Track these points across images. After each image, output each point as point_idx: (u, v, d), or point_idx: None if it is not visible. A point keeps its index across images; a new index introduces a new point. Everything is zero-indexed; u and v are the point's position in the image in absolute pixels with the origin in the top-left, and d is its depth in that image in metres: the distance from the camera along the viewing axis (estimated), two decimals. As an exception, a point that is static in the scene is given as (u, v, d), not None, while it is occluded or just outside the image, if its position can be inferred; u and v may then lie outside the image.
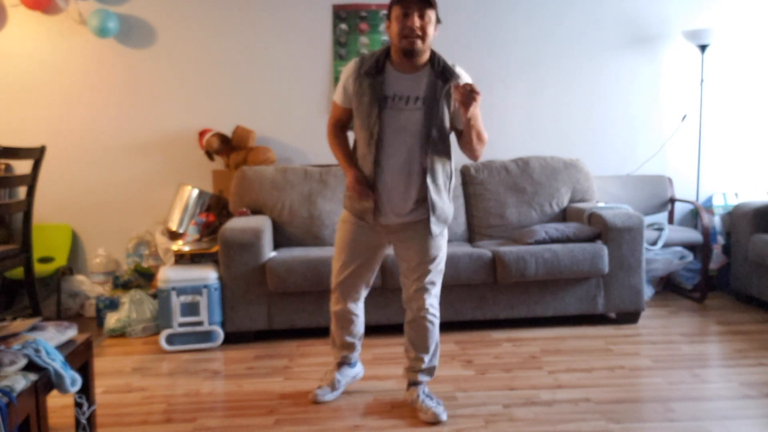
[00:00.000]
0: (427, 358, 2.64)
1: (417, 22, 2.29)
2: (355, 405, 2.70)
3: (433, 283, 2.58)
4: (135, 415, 2.66)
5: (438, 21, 2.38)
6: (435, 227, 2.47)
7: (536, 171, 4.21)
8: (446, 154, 2.46)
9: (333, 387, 2.78)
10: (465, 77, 2.42)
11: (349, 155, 2.54)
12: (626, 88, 4.60)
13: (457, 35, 4.48)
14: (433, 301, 2.60)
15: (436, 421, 2.48)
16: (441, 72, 2.38)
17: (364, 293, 2.73)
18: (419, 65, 2.38)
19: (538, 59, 4.55)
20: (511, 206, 4.13)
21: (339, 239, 2.62)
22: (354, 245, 2.57)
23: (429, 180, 2.40)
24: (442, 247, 2.56)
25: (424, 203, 2.44)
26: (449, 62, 2.43)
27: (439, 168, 2.43)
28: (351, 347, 2.79)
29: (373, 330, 3.35)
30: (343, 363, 2.82)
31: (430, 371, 2.67)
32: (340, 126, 2.59)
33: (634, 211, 3.91)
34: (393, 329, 3.59)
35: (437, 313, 2.63)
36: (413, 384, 2.65)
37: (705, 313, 3.98)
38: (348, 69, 2.47)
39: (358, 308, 2.73)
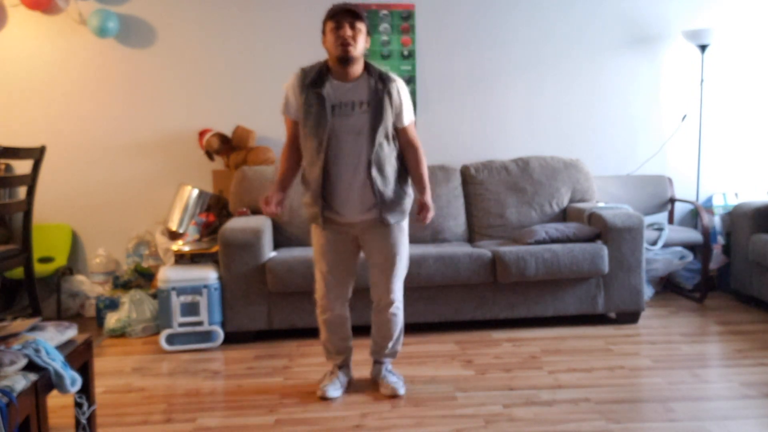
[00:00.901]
0: (390, 344, 2.86)
1: (348, 32, 2.51)
2: (355, 405, 2.70)
3: (397, 277, 2.77)
4: (135, 415, 2.66)
5: (368, 33, 2.60)
6: (389, 217, 2.65)
7: (536, 171, 4.21)
8: (392, 150, 2.66)
9: (340, 384, 2.84)
10: (399, 82, 2.65)
11: (284, 178, 2.75)
12: (626, 88, 4.60)
13: (457, 35, 4.49)
14: (397, 294, 2.80)
15: (394, 395, 2.76)
16: (378, 77, 2.61)
17: (350, 293, 2.84)
18: (356, 74, 2.60)
19: (538, 59, 4.55)
20: (511, 206, 4.14)
21: (315, 250, 2.78)
22: (330, 253, 2.73)
23: (375, 172, 2.58)
24: (403, 243, 2.76)
25: (373, 198, 2.63)
26: (382, 69, 2.67)
27: (386, 161, 2.62)
28: (348, 350, 2.90)
29: (368, 330, 3.35)
30: (343, 365, 2.90)
31: (393, 354, 2.91)
32: (295, 145, 2.72)
33: (634, 211, 3.91)
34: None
35: (401, 305, 2.83)
36: (377, 363, 2.91)
37: (705, 313, 3.98)
38: (291, 82, 2.64)
39: (346, 309, 2.85)
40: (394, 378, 2.84)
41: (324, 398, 2.76)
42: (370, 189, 2.60)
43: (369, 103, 2.57)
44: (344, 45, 2.50)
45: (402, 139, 2.69)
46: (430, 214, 2.73)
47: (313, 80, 2.57)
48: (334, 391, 2.79)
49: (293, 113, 2.65)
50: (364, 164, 2.58)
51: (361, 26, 2.54)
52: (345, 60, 2.53)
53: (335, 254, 2.72)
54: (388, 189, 2.64)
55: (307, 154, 2.62)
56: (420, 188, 2.72)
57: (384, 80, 2.60)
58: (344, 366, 2.89)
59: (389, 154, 2.63)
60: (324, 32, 2.58)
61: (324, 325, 2.81)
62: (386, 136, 2.61)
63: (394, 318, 2.80)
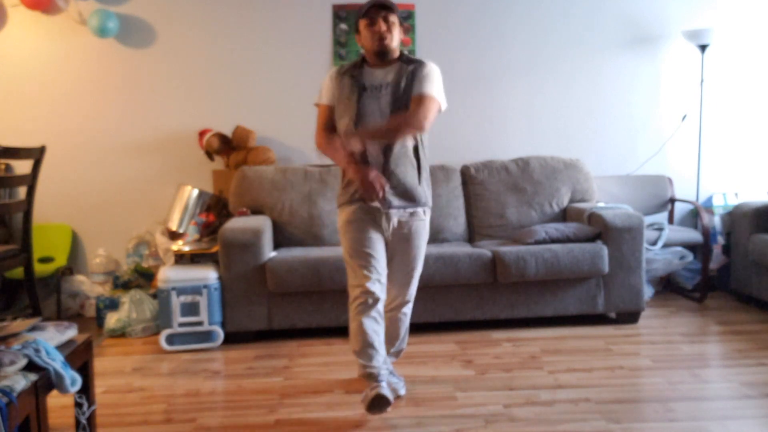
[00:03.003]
0: (398, 343, 2.85)
1: (383, 26, 2.57)
2: (356, 405, 2.70)
3: (416, 279, 2.75)
4: (135, 415, 2.66)
5: (401, 23, 2.66)
6: (417, 193, 2.60)
7: (536, 171, 4.21)
8: (414, 136, 2.60)
9: (392, 391, 2.62)
10: (430, 66, 2.60)
11: (339, 157, 2.59)
12: (626, 88, 4.60)
13: (457, 35, 4.49)
14: (413, 295, 2.77)
15: (395, 395, 2.69)
16: (407, 60, 2.64)
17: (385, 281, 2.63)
18: (391, 62, 2.63)
19: (538, 59, 4.55)
20: (511, 206, 4.14)
21: (352, 240, 2.57)
22: (368, 238, 2.56)
23: (392, 157, 2.53)
24: (425, 240, 2.72)
25: (397, 180, 2.55)
26: (417, 58, 2.67)
27: (403, 150, 2.56)
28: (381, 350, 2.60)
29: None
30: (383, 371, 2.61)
31: (398, 353, 2.91)
32: (329, 128, 2.67)
33: (634, 211, 3.91)
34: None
35: (412, 305, 2.82)
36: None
37: (705, 313, 3.98)
38: (329, 75, 2.70)
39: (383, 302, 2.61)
40: (395, 379, 2.80)
41: (379, 396, 2.44)
42: (390, 174, 2.54)
43: (391, 83, 2.58)
44: (381, 39, 2.56)
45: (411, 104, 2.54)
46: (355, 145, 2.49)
47: (348, 69, 2.64)
48: (387, 391, 2.48)
49: (326, 98, 2.66)
50: (381, 150, 2.54)
51: (394, 18, 2.59)
52: (383, 53, 2.59)
53: (375, 238, 2.57)
54: (408, 177, 2.57)
55: (342, 131, 2.58)
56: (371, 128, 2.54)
57: (414, 63, 2.61)
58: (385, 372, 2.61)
59: (407, 142, 2.56)
60: (358, 31, 2.64)
61: (361, 325, 2.52)
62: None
63: (405, 318, 2.78)
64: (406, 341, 2.90)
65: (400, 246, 2.65)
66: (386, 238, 2.62)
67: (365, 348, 2.53)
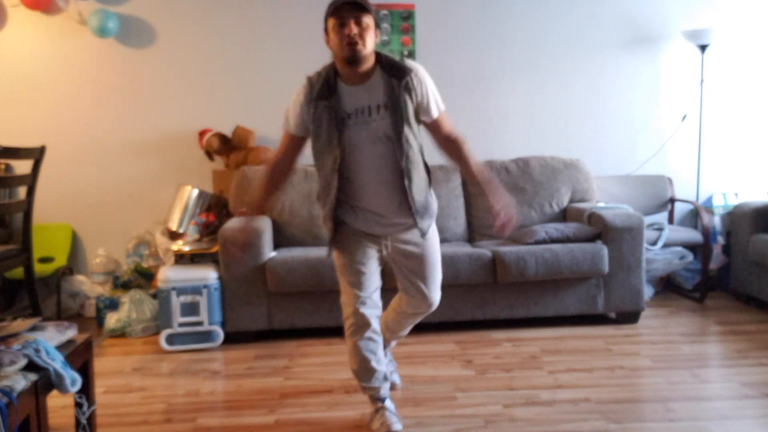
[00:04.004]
0: (404, 332, 2.81)
1: (354, 29, 2.19)
2: (356, 405, 2.70)
3: (438, 284, 2.59)
4: (135, 415, 2.66)
5: (377, 26, 2.27)
6: (422, 223, 2.39)
7: (536, 171, 4.21)
8: (418, 151, 2.36)
9: (396, 417, 2.49)
10: (418, 70, 2.31)
11: (268, 194, 2.48)
12: (626, 88, 4.60)
13: (457, 35, 4.49)
14: (436, 298, 2.60)
15: (392, 389, 2.73)
16: (390, 70, 2.28)
17: (381, 307, 2.53)
18: (368, 73, 2.28)
19: (538, 59, 4.55)
20: (511, 206, 4.13)
21: (343, 256, 2.42)
22: (360, 262, 2.41)
23: (406, 182, 2.30)
24: (437, 249, 2.55)
25: (406, 206, 2.35)
26: (396, 59, 2.34)
27: (414, 166, 2.33)
28: (386, 377, 2.52)
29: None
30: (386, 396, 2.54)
31: (400, 336, 2.83)
32: (285, 162, 2.44)
33: (634, 211, 3.91)
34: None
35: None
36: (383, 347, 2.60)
37: (705, 313, 3.98)
38: (298, 96, 2.36)
39: (379, 324, 2.50)
40: (391, 368, 2.85)
41: None
42: (398, 196, 2.33)
43: (386, 105, 2.26)
44: (351, 45, 2.19)
45: (437, 134, 2.38)
46: (509, 221, 2.33)
47: (321, 91, 2.28)
48: (397, 424, 2.44)
49: (298, 128, 2.36)
50: (393, 173, 2.30)
51: (368, 20, 2.21)
52: (353, 61, 2.22)
53: (367, 258, 2.42)
54: (421, 196, 2.37)
55: (324, 172, 2.33)
56: (488, 189, 2.39)
57: (399, 73, 2.26)
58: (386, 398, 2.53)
59: (417, 159, 2.34)
60: (326, 30, 2.27)
61: (360, 349, 2.42)
62: (414, 138, 2.31)
63: (422, 316, 2.66)
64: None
65: (410, 261, 2.48)
66: (383, 256, 2.47)
67: (362, 369, 2.45)
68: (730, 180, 4.67)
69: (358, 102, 2.28)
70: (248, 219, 2.57)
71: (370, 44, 2.23)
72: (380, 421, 2.44)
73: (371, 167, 2.31)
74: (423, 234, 2.42)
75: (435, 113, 2.36)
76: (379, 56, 2.30)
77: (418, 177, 2.36)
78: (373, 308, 2.43)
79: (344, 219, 2.38)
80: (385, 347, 2.70)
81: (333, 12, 2.22)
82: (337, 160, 2.27)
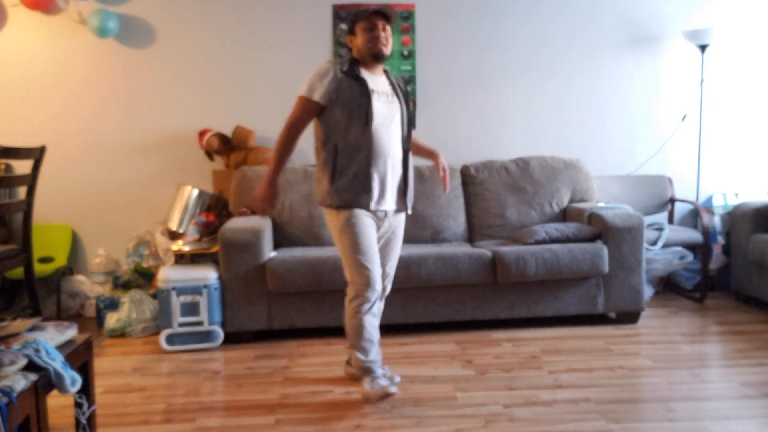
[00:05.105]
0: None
1: (382, 32, 2.68)
2: (356, 405, 2.70)
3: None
4: (135, 415, 2.66)
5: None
6: (409, 205, 2.84)
7: (536, 171, 4.21)
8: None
9: (392, 380, 2.78)
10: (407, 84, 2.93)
11: (282, 163, 2.75)
12: (626, 88, 4.60)
13: (457, 35, 4.49)
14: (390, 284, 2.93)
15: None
16: (392, 77, 2.83)
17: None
18: (380, 71, 2.78)
19: (538, 59, 4.55)
20: (511, 206, 4.14)
21: (356, 236, 2.64)
22: (373, 239, 2.71)
23: (409, 162, 2.77)
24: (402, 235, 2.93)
25: (403, 186, 2.78)
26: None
27: (410, 155, 2.80)
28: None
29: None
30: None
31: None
32: (300, 129, 2.72)
33: (634, 211, 3.91)
34: (392, 329, 3.60)
35: None
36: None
37: (705, 313, 3.98)
38: (324, 69, 2.67)
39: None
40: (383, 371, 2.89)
41: (389, 394, 2.61)
42: (401, 178, 2.75)
43: (396, 95, 2.74)
44: (379, 44, 2.67)
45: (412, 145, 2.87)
46: (446, 174, 2.88)
47: (349, 70, 2.67)
48: (393, 387, 2.65)
49: (319, 95, 2.64)
50: (398, 153, 2.72)
51: (390, 30, 2.73)
52: (379, 57, 2.69)
53: (366, 228, 2.67)
54: (412, 180, 2.82)
55: (349, 137, 2.62)
56: (432, 152, 2.94)
57: (400, 82, 2.83)
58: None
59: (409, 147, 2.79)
60: (353, 31, 2.72)
61: (365, 321, 2.68)
62: (411, 129, 2.78)
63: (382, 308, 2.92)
64: None
65: (392, 242, 2.86)
66: (380, 235, 2.80)
67: (365, 343, 2.71)
68: (730, 180, 4.67)
69: (378, 85, 2.72)
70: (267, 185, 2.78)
71: (391, 47, 2.74)
72: (383, 392, 2.63)
73: (384, 145, 2.67)
74: (407, 213, 2.87)
75: (413, 123, 2.87)
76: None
77: (411, 163, 2.81)
78: (380, 287, 2.72)
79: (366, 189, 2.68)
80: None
81: (366, 17, 2.68)
82: (369, 125, 2.61)
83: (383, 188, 2.69)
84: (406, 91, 2.83)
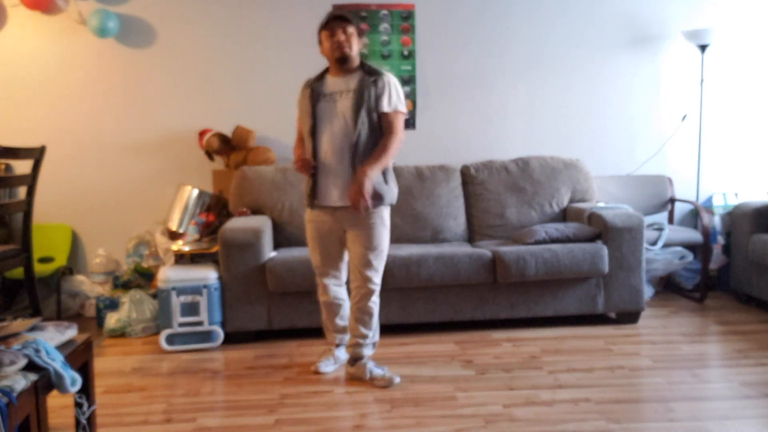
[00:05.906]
0: (371, 334, 2.97)
1: (342, 36, 2.81)
2: (356, 405, 2.70)
3: (375, 269, 2.91)
4: (135, 415, 2.66)
5: (359, 35, 2.91)
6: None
7: (536, 171, 4.21)
8: (377, 133, 2.83)
9: (334, 361, 3.12)
10: (388, 77, 2.86)
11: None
12: (626, 88, 4.60)
13: (457, 35, 4.49)
14: (375, 284, 2.92)
15: (391, 385, 2.87)
16: (368, 72, 2.87)
17: (344, 276, 3.08)
18: (351, 70, 2.87)
19: (538, 59, 4.55)
20: (511, 206, 4.14)
21: (308, 238, 3.02)
22: (320, 240, 2.97)
23: (357, 158, 2.79)
24: (383, 235, 2.91)
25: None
26: (377, 68, 2.93)
27: (366, 148, 2.80)
28: (344, 330, 3.12)
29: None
30: (340, 344, 3.15)
31: (374, 345, 3.04)
32: (301, 141, 3.05)
33: (634, 211, 3.91)
34: (393, 329, 3.60)
35: (378, 292, 2.96)
36: (359, 359, 2.97)
37: (705, 313, 3.98)
38: (300, 92, 2.97)
39: (343, 292, 3.09)
40: (381, 371, 2.95)
41: (317, 372, 3.04)
42: (350, 171, 2.81)
43: (354, 90, 2.83)
44: (340, 47, 2.80)
45: (382, 125, 2.84)
46: (356, 200, 2.76)
47: (314, 79, 2.93)
48: (326, 366, 3.08)
49: (298, 111, 2.99)
50: (347, 149, 2.80)
51: (352, 29, 2.84)
52: (343, 59, 2.84)
53: (324, 238, 2.96)
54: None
55: (303, 137, 2.96)
56: (368, 161, 2.79)
57: (373, 73, 2.85)
58: (341, 345, 3.14)
59: (369, 142, 2.81)
60: (321, 42, 2.88)
61: (323, 307, 3.10)
62: (370, 124, 2.80)
63: (374, 306, 2.95)
64: (378, 333, 3.11)
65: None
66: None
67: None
68: (730, 180, 4.66)
69: (335, 87, 2.86)
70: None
71: (355, 47, 2.84)
72: (323, 357, 3.12)
73: (332, 143, 2.81)
74: (370, 217, 2.86)
75: (386, 107, 2.82)
76: (362, 63, 2.91)
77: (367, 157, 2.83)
78: (334, 281, 3.08)
79: (314, 187, 2.90)
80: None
81: (325, 25, 2.85)
82: (308, 126, 2.85)
83: (326, 188, 2.88)
84: (375, 82, 2.81)
